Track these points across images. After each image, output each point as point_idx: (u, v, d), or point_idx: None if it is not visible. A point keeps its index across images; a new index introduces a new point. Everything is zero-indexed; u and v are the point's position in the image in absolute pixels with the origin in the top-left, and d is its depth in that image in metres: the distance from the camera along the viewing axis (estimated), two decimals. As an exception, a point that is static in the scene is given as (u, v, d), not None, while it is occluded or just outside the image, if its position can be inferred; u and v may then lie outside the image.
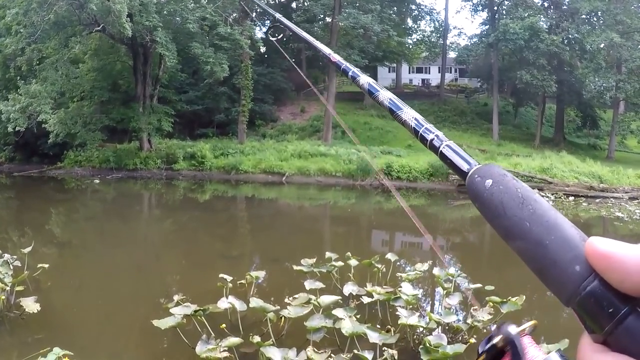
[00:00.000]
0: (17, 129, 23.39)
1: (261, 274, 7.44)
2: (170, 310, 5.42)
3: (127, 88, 29.16)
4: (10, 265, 6.73)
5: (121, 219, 14.32)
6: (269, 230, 13.01)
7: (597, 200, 14.24)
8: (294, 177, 23.41)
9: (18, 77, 25.65)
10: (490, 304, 5.80)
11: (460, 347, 4.63)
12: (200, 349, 4.79)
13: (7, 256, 6.95)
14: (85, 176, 23.72)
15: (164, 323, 5.20)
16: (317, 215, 16.84)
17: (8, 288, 6.08)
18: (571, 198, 14.59)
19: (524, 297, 5.93)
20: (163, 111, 27.92)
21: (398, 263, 8.41)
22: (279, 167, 24.30)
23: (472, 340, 5.04)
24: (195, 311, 5.47)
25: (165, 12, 23.90)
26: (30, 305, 5.74)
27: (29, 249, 7.46)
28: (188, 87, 34.25)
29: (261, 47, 31.64)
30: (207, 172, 24.88)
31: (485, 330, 5.62)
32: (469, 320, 5.48)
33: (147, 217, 16.10)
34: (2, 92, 27.70)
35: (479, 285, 6.61)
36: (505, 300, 5.87)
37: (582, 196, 14.82)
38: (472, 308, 5.88)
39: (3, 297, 5.89)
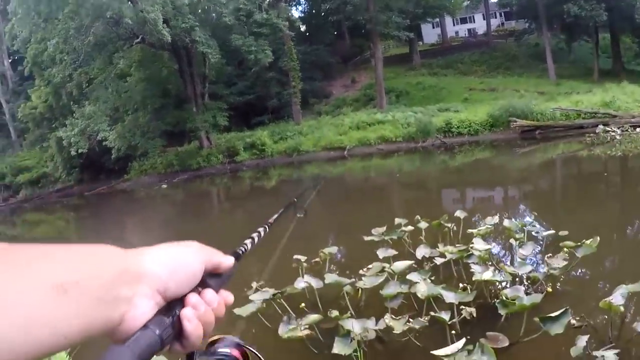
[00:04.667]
0: (79, 151, 24.61)
1: (334, 249, 7.58)
2: (250, 297, 5.65)
3: (177, 91, 30.01)
4: None
5: (194, 217, 14.78)
6: (337, 205, 13.13)
7: None
8: (355, 149, 23.38)
9: (71, 103, 27.07)
10: (565, 249, 5.68)
11: (537, 298, 4.59)
12: (282, 330, 4.99)
13: None
14: (152, 183, 24.63)
15: (245, 310, 5.42)
16: (383, 183, 16.81)
17: None
18: (638, 129, 13.81)
19: (599, 238, 5.77)
20: (216, 107, 28.50)
21: (469, 219, 8.33)
22: (338, 141, 24.34)
23: (549, 289, 4.98)
24: (274, 294, 5.68)
25: (199, 10, 24.32)
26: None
27: None
28: (236, 78, 34.71)
29: (300, 25, 31.51)
30: (270, 159, 25.26)
31: (562, 278, 5.55)
32: (545, 269, 5.40)
33: (218, 212, 16.55)
34: (59, 120, 29.20)
35: (552, 231, 6.48)
36: (579, 244, 5.74)
37: None
38: (547, 256, 5.78)
39: None
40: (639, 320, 4.26)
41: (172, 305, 0.62)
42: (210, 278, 0.68)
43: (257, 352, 0.78)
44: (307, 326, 4.92)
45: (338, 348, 4.63)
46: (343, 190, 16.21)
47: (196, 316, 0.62)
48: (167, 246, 0.65)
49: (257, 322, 5.54)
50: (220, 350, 0.77)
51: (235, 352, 0.79)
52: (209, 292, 0.66)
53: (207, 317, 0.64)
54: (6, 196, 34.05)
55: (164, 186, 22.98)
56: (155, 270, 0.59)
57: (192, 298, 0.63)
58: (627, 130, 13.91)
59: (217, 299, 0.67)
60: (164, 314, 0.60)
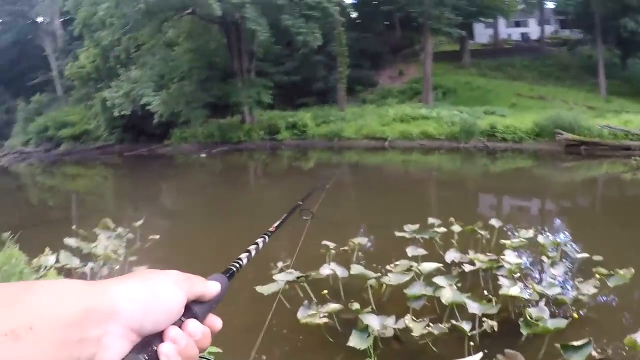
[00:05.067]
0: (122, 112, 25.17)
1: (363, 240, 7.60)
2: (274, 277, 5.73)
3: (224, 65, 30.19)
4: (124, 238, 7.20)
5: (229, 188, 14.95)
6: (373, 196, 13.12)
7: None
8: (397, 142, 23.23)
9: (118, 66, 27.50)
10: (597, 275, 5.58)
11: (561, 322, 4.54)
12: (301, 314, 5.07)
13: (120, 229, 7.42)
14: (192, 151, 24.99)
15: (267, 289, 5.52)
16: (421, 179, 16.70)
17: (121, 259, 6.52)
18: None
19: (633, 270, 5.64)
20: (261, 84, 28.61)
21: (503, 229, 8.23)
22: (380, 132, 24.20)
23: (575, 315, 4.92)
24: (298, 277, 5.75)
25: (250, -13, 24.27)
26: (142, 274, 6.26)
27: (140, 222, 7.92)
28: (284, 58, 34.77)
29: (352, 12, 31.24)
30: (310, 141, 25.30)
31: (590, 304, 5.45)
32: (574, 294, 5.32)
33: (254, 186, 16.68)
34: (105, 81, 29.85)
35: (586, 255, 6.36)
36: (612, 272, 5.62)
37: None
38: (577, 280, 5.69)
39: (117, 267, 6.34)
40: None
41: (149, 341, 0.57)
42: (195, 305, 0.64)
43: None
44: (326, 314, 4.99)
45: (354, 341, 4.68)
46: (380, 181, 16.15)
47: (177, 351, 0.58)
48: (142, 278, 0.59)
49: (278, 302, 5.61)
50: None
51: None
52: (191, 323, 0.62)
53: (188, 351, 0.59)
54: (48, 147, 35.10)
55: (203, 155, 23.30)
56: (128, 307, 0.55)
57: (172, 332, 0.59)
58: (679, 157, 13.49)
59: (201, 329, 0.62)
60: (138, 351, 0.56)
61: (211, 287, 0.67)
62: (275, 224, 1.37)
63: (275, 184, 16.02)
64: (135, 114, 26.13)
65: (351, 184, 16.36)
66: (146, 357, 0.56)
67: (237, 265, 0.87)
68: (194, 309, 0.63)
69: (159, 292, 0.58)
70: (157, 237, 7.57)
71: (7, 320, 0.46)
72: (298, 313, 5.12)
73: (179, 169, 21.41)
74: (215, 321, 0.68)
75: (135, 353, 0.55)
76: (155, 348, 0.57)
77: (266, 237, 1.12)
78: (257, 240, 1.06)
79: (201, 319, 0.64)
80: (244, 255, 0.93)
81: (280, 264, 6.31)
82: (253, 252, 0.98)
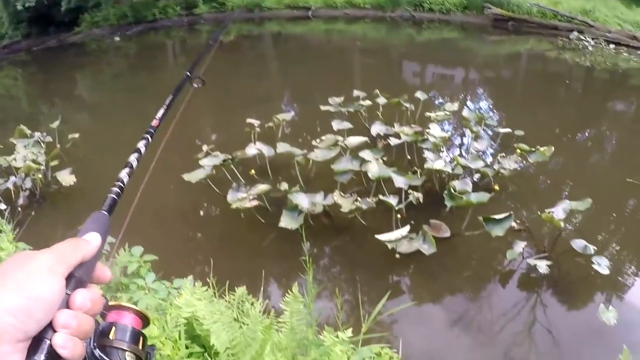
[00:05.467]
0: (26, 5, 22.37)
1: (288, 116, 7.40)
2: (200, 162, 5.51)
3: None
4: (42, 143, 6.71)
5: (147, 71, 14.12)
6: (296, 68, 12.72)
7: (639, 51, 13.37)
8: (320, 11, 22.28)
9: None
10: (518, 151, 5.75)
11: (484, 196, 4.69)
12: (231, 197, 4.96)
13: (37, 134, 6.87)
14: (105, 36, 22.97)
15: (194, 176, 5.31)
16: (345, 49, 16.30)
17: (43, 166, 6.11)
18: (612, 46, 13.57)
19: (553, 148, 5.84)
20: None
21: (428, 102, 8.25)
22: (303, 1, 23.11)
23: (496, 187, 5.09)
24: (224, 160, 5.56)
25: None
26: (66, 178, 5.83)
27: (57, 122, 7.27)
28: None
29: None
30: (230, 13, 23.82)
31: (511, 179, 5.66)
32: (496, 167, 5.48)
33: (173, 66, 15.85)
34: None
35: (508, 130, 6.51)
36: (533, 149, 5.81)
37: (623, 45, 13.79)
38: (499, 155, 5.85)
39: (40, 176, 5.94)
40: (573, 237, 4.46)
41: (41, 336, 0.55)
42: (78, 269, 0.61)
43: (144, 312, 0.68)
44: (255, 196, 4.90)
45: (285, 222, 4.68)
46: (304, 51, 15.67)
47: (71, 335, 0.56)
48: (14, 285, 0.54)
49: (207, 189, 5.47)
50: (118, 334, 0.65)
51: (135, 323, 0.67)
52: (78, 296, 0.59)
53: (83, 326, 0.57)
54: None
55: (117, 38, 21.46)
56: (8, 322, 0.52)
57: (60, 318, 0.56)
58: (600, 44, 13.71)
59: (89, 298, 0.59)
60: (34, 352, 0.54)
61: (90, 246, 0.65)
62: (159, 115, 1.18)
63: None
64: (41, 3, 23.27)
65: (274, 56, 15.81)
66: (44, 357, 0.54)
67: (118, 191, 0.81)
68: (76, 274, 0.61)
69: (36, 293, 0.54)
70: (77, 135, 7.01)
71: None
72: (228, 197, 5.00)
73: (93, 57, 19.75)
74: (103, 274, 0.67)
75: (32, 356, 0.54)
76: (49, 341, 0.55)
77: (149, 137, 1.02)
78: (138, 146, 0.97)
79: (86, 279, 0.63)
80: (124, 173, 0.87)
81: (205, 147, 6.03)
82: (135, 163, 0.91)
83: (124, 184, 0.83)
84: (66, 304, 0.58)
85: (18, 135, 6.89)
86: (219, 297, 3.00)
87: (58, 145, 6.77)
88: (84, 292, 0.60)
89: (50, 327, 0.55)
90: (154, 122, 1.13)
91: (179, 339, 2.20)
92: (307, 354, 2.29)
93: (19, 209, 5.50)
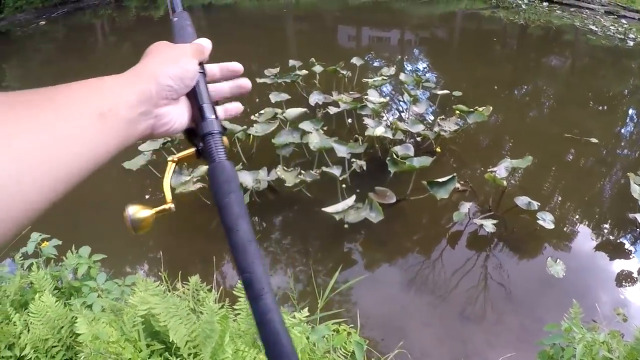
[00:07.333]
0: None
1: (224, 90, 7.17)
2: (139, 148, 5.25)
3: None
4: None
5: (77, 55, 13.41)
6: (229, 40, 12.31)
7: (572, 9, 13.60)
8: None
9: None
10: (457, 112, 5.77)
11: (427, 160, 4.69)
12: (173, 182, 4.75)
13: None
14: (29, 20, 21.60)
15: (134, 164, 5.04)
16: (277, 16, 15.97)
17: None
18: (545, 4, 13.89)
19: (491, 107, 5.90)
20: None
21: (365, 67, 8.19)
22: (233, -31, 22.37)
23: (438, 150, 5.10)
24: (164, 144, 5.32)
25: None
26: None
27: None
28: None
29: None
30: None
31: (451, 140, 5.70)
32: (436, 130, 5.49)
33: (103, 46, 15.16)
34: None
35: (446, 91, 6.53)
36: (471, 109, 5.85)
37: (556, 2, 14.11)
38: (439, 117, 5.86)
39: None
40: (517, 194, 4.54)
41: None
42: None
43: None
44: (198, 178, 4.72)
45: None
46: (234, 22, 15.25)
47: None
48: (169, 55, 0.68)
49: (149, 175, 5.22)
50: None
51: None
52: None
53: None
54: None
55: (42, 23, 20.22)
56: (169, 84, 0.65)
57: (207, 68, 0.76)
58: (534, 2, 14.02)
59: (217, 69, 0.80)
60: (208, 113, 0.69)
61: (205, 44, 0.77)
62: None
63: (125, 40, 14.52)
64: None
65: (205, 27, 15.30)
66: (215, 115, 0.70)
67: None
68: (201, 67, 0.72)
69: (187, 66, 0.68)
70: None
71: (97, 106, 0.56)
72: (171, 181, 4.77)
73: (19, 44, 18.49)
74: (235, 66, 0.83)
75: (207, 117, 0.69)
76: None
77: None
78: None
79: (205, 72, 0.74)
80: None
81: None
82: None
83: None
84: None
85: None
86: (172, 289, 2.90)
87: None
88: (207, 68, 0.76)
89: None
90: None
91: (139, 339, 2.13)
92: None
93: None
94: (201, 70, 0.71)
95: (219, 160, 0.65)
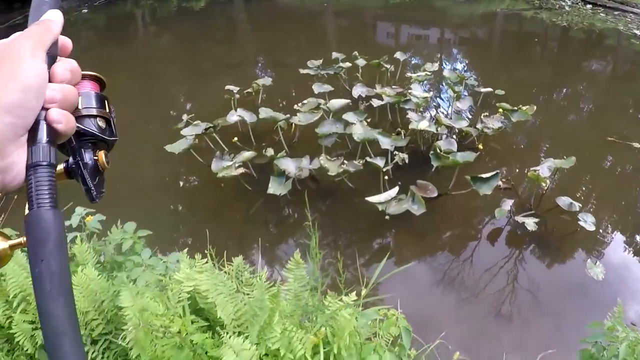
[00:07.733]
0: None
1: (267, 80, 7.25)
2: (182, 132, 5.38)
3: None
4: None
5: (117, 43, 13.65)
6: (270, 32, 12.45)
7: (616, 12, 13.25)
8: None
9: None
10: (501, 110, 5.78)
11: (470, 156, 4.72)
12: (215, 166, 4.87)
13: None
14: (72, 8, 22.05)
15: (177, 147, 5.15)
16: (318, 12, 16.03)
17: None
18: (588, 6, 13.60)
19: (535, 107, 5.89)
20: None
21: (407, 62, 8.22)
22: (274, -36, 22.45)
23: (480, 147, 5.13)
24: (206, 129, 5.44)
25: None
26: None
27: None
28: None
29: None
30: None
31: (494, 138, 5.70)
32: (479, 126, 5.50)
33: (143, 36, 15.38)
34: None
35: (489, 89, 6.53)
36: (515, 108, 5.85)
37: (599, 5, 13.80)
38: (482, 114, 5.87)
39: None
40: (558, 194, 4.55)
41: (37, 118, 0.54)
42: (50, 48, 0.59)
43: (97, 74, 0.68)
44: (241, 163, 4.83)
45: (273, 188, 4.65)
46: (277, 15, 15.35)
47: (60, 107, 0.56)
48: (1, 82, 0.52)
49: (189, 160, 5.34)
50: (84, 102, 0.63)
51: (94, 87, 0.67)
52: (58, 69, 0.58)
53: (69, 96, 0.58)
54: None
55: (85, 11, 20.60)
56: (7, 121, 0.51)
57: (47, 94, 0.56)
58: (577, 4, 13.76)
59: (67, 66, 0.60)
60: (32, 138, 0.54)
61: (57, 25, 0.63)
62: None
63: (165, 31, 14.75)
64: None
65: (245, 20, 15.44)
66: (46, 139, 0.54)
67: None
68: (49, 52, 0.59)
69: (27, 83, 0.53)
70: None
71: None
72: (212, 166, 4.90)
73: (61, 31, 19.01)
74: (65, 44, 0.65)
75: (32, 145, 0.53)
76: (45, 121, 0.54)
77: None
78: None
79: (57, 54, 0.61)
80: None
81: (185, 117, 5.88)
82: None
83: None
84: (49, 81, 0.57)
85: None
86: (218, 269, 2.97)
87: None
88: (61, 64, 0.59)
89: (42, 109, 0.55)
90: None
91: (184, 315, 2.15)
92: (313, 320, 2.29)
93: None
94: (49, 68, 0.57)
95: (37, 208, 0.50)
